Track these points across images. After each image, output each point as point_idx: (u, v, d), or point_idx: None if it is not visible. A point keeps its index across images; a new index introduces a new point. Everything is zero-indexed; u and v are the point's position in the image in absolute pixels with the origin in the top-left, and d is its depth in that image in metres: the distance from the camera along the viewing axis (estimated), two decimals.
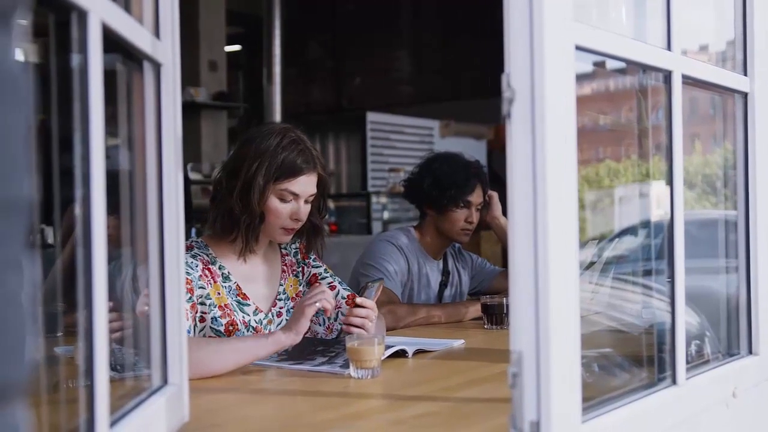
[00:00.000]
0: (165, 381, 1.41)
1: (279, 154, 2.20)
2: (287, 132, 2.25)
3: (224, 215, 2.24)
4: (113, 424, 1.12)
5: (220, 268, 2.27)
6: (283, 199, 2.23)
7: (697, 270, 1.76)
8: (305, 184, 2.25)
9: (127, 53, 1.30)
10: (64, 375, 1.41)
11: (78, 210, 1.04)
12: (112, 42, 1.14)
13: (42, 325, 0.69)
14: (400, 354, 2.16)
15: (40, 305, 0.64)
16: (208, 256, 2.25)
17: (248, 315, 2.27)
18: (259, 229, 2.25)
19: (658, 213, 1.90)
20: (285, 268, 2.42)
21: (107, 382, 1.06)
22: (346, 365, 1.95)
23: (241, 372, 1.98)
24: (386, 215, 7.56)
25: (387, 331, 2.64)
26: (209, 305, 2.19)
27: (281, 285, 2.39)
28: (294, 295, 2.40)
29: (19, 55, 0.61)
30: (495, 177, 3.53)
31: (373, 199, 7.53)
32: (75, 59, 1.04)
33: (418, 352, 2.24)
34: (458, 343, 2.40)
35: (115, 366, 1.37)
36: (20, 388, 0.60)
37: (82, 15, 1.02)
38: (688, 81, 1.62)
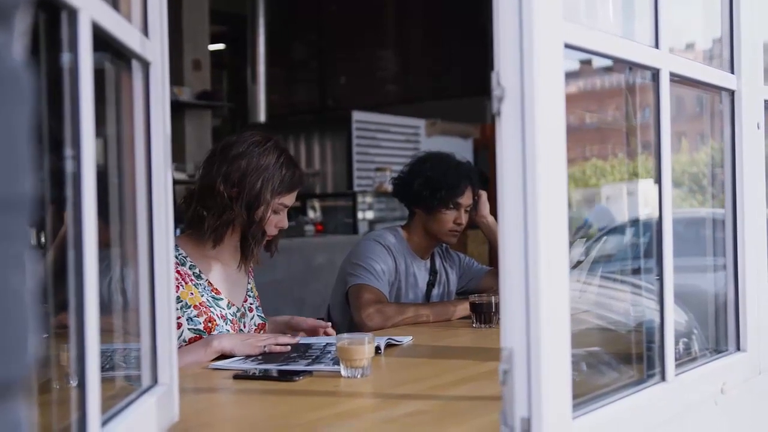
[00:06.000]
0: (155, 381, 1.41)
1: (281, 171, 2.34)
2: (280, 147, 2.39)
3: (225, 225, 2.32)
4: (104, 423, 1.12)
5: (190, 268, 2.34)
6: (275, 212, 2.37)
7: (685, 268, 1.77)
8: (294, 197, 2.42)
9: (115, 52, 1.29)
10: (50, 375, 1.40)
11: (68, 210, 1.03)
12: (101, 40, 1.13)
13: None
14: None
15: (39, 303, 0.64)
16: (177, 257, 2.28)
17: (223, 309, 2.36)
18: (263, 240, 2.37)
19: (645, 211, 1.91)
20: (250, 269, 2.54)
21: (98, 382, 1.05)
22: (336, 362, 1.95)
23: (230, 373, 1.97)
24: (372, 215, 7.55)
25: (375, 330, 2.65)
26: (181, 308, 2.25)
27: (249, 284, 2.52)
28: (256, 295, 2.55)
29: (20, 54, 0.61)
30: (480, 176, 3.53)
31: (359, 198, 7.51)
32: (65, 58, 1.03)
33: (389, 346, 2.30)
34: (407, 340, 2.42)
35: (104, 366, 1.36)
36: (23, 385, 0.60)
37: (72, 13, 1.01)
38: (676, 79, 1.62)
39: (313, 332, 2.46)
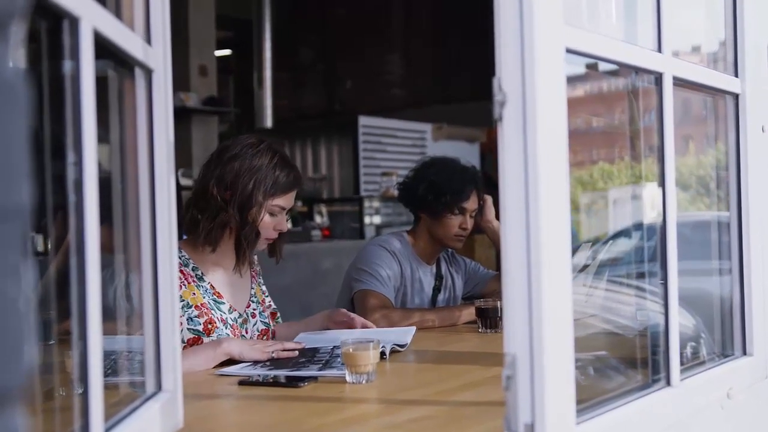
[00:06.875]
0: (159, 387, 1.41)
1: (274, 172, 2.33)
2: (274, 148, 2.38)
3: (219, 227, 2.32)
4: (107, 430, 1.12)
5: (193, 270, 2.35)
6: (272, 214, 2.36)
7: (692, 272, 1.76)
8: (292, 199, 2.41)
9: (118, 59, 1.29)
10: (55, 382, 1.40)
11: (70, 217, 1.04)
12: (103, 48, 1.14)
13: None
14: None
15: (37, 312, 0.64)
16: (180, 258, 2.29)
17: (224, 313, 2.36)
18: (256, 242, 2.36)
19: (651, 215, 1.91)
20: (253, 274, 2.55)
21: (101, 389, 1.05)
22: (344, 367, 1.94)
23: (234, 380, 1.97)
24: (379, 219, 7.55)
25: None
26: (182, 307, 2.26)
27: (252, 289, 2.52)
28: (260, 300, 2.53)
29: (16, 63, 0.61)
30: (487, 180, 3.52)
31: (366, 203, 7.51)
32: (66, 65, 1.04)
33: (394, 352, 2.29)
34: (411, 332, 2.47)
35: (107, 371, 1.36)
36: (19, 394, 0.60)
37: (74, 22, 1.02)
38: (679, 83, 1.62)
39: (350, 325, 2.50)
